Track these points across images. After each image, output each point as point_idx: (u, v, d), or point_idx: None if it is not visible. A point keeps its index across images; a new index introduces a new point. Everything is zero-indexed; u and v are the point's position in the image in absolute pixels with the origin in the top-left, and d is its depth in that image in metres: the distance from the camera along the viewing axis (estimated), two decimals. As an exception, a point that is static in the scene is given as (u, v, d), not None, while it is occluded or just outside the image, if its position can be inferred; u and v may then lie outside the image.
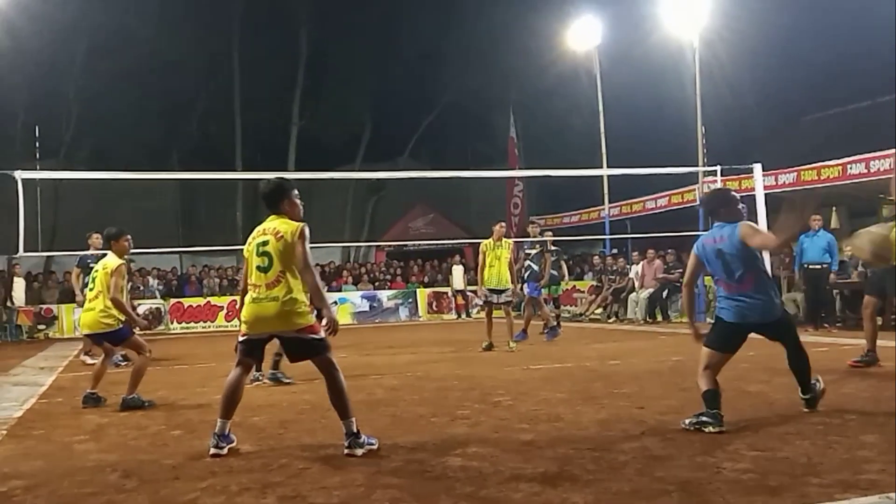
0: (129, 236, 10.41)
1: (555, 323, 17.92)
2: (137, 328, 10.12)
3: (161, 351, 18.39)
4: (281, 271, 6.64)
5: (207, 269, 29.68)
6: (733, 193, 7.81)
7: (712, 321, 7.69)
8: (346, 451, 6.40)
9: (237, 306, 7.72)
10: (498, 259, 15.06)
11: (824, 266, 17.59)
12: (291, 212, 6.97)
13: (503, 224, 15.96)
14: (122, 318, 9.67)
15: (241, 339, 7.00)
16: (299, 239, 6.63)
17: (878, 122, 25.59)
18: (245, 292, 7.00)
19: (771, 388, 8.71)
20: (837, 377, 9.65)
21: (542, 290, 17.79)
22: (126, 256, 10.20)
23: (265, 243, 6.74)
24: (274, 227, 6.78)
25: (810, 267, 17.67)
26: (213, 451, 6.47)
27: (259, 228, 6.95)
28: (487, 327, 15.45)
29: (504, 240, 15.36)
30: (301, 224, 6.79)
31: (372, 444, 6.56)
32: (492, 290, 15.20)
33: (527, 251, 18.20)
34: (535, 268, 17.57)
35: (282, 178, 7.30)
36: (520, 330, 16.84)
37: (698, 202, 21.42)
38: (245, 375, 7.11)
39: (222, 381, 9.93)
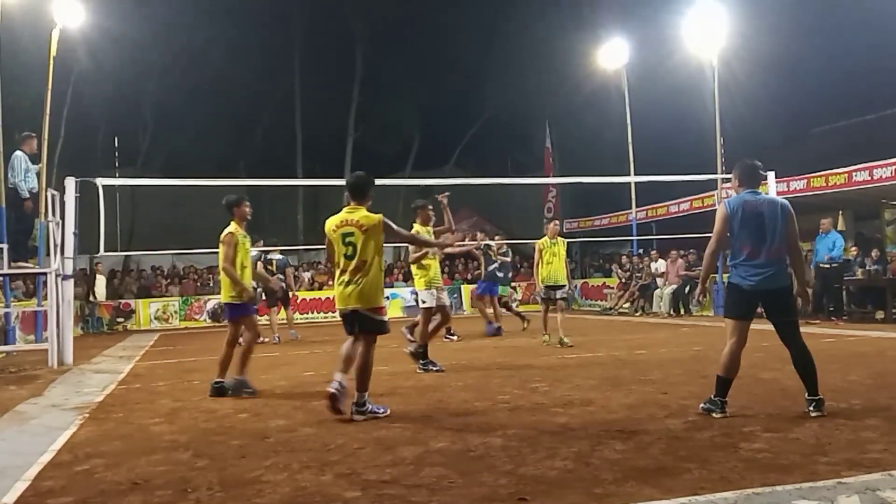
0: (247, 202, 9.85)
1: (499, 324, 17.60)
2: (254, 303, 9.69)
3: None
4: (362, 259, 7.31)
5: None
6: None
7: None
8: (352, 415, 7.12)
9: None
10: (555, 256, 14.22)
11: (833, 265, 17.57)
12: (368, 204, 7.60)
13: (557, 223, 15.46)
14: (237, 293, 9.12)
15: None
16: (382, 230, 7.40)
17: (881, 133, 25.34)
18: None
19: (783, 376, 8.65)
20: (843, 365, 9.59)
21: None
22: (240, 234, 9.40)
23: (350, 234, 7.35)
24: (357, 220, 7.40)
25: (821, 266, 17.74)
26: (330, 389, 7.23)
27: (340, 218, 7.53)
28: (544, 322, 14.38)
29: (559, 238, 14.55)
30: (379, 216, 7.33)
31: (377, 412, 7.22)
32: (550, 287, 14.30)
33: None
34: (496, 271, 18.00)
35: (369, 175, 7.84)
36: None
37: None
38: (354, 343, 7.56)
39: (285, 370, 10.01)
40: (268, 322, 17.54)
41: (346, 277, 7.38)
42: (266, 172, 30.73)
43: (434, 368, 10.75)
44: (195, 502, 4.76)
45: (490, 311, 17.72)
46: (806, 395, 6.74)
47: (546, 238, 14.54)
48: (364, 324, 7.42)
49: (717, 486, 4.59)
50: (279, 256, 18.61)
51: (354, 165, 36.32)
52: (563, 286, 14.51)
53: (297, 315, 23.99)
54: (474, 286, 17.87)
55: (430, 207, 11.70)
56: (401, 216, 38.79)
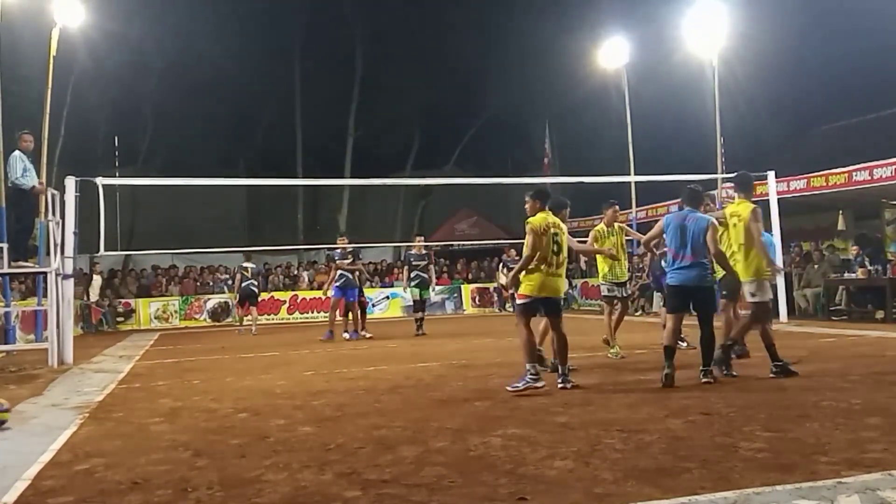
0: None
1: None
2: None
3: (227, 340, 18.64)
4: (566, 256, 8.89)
5: (272, 267, 29.82)
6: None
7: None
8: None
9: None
10: (621, 248, 12.00)
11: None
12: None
13: (616, 206, 12.46)
14: None
15: (525, 301, 8.80)
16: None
17: (881, 132, 25.35)
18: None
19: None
20: (843, 364, 9.59)
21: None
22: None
23: (557, 235, 8.78)
24: (557, 223, 8.91)
25: None
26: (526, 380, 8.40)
27: (550, 222, 8.86)
28: (609, 325, 12.08)
29: (616, 224, 12.15)
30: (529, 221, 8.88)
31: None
32: (616, 284, 12.07)
33: (414, 262, 18.52)
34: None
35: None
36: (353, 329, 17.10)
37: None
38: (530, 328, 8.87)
39: (284, 369, 9.99)
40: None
41: (552, 270, 8.75)
42: (266, 172, 30.81)
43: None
44: (195, 502, 4.76)
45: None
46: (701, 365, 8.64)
47: (602, 225, 12.11)
48: (555, 310, 8.98)
49: (717, 485, 4.59)
50: (252, 265, 21.16)
51: (354, 165, 36.44)
52: (625, 281, 12.38)
53: (297, 314, 26.94)
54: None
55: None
56: (401, 216, 39.01)
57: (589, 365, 10.88)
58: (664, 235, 9.01)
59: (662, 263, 10.38)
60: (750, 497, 4.35)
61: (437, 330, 18.98)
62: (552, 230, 8.76)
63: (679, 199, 9.53)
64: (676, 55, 25.25)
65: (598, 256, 12.20)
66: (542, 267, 8.70)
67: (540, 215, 8.88)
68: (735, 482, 4.64)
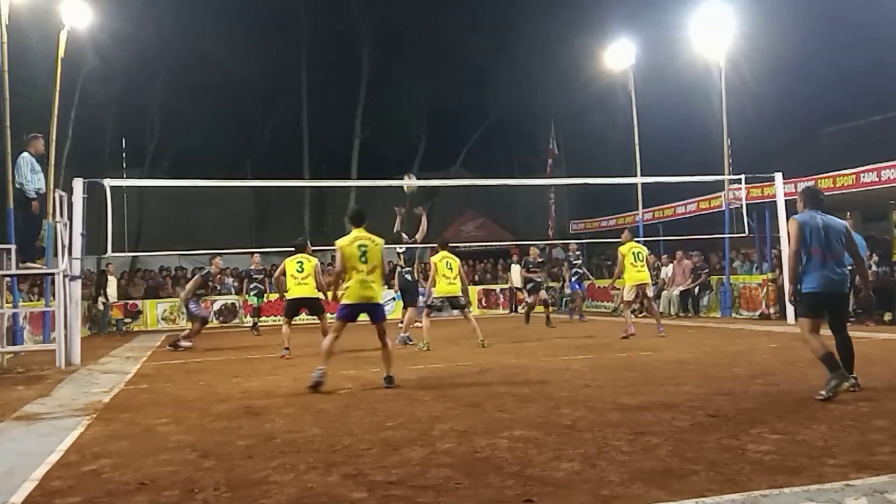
0: None
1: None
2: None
3: (234, 341, 18.65)
4: (376, 266, 9.39)
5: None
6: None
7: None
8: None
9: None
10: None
11: (849, 266, 17.39)
12: None
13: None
14: None
15: (342, 309, 9.41)
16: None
17: (888, 134, 25.30)
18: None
19: (790, 378, 8.65)
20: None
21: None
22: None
23: (365, 247, 9.40)
24: (366, 236, 9.50)
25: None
26: None
27: (356, 237, 9.50)
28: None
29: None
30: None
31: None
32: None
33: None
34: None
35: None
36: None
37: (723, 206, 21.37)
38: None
39: (291, 371, 10.01)
40: None
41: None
42: (273, 173, 30.81)
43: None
44: (202, 502, 4.76)
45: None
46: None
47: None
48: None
49: (724, 488, 4.57)
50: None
51: (361, 166, 36.49)
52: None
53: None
54: None
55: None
56: (405, 216, 38.99)
57: (596, 366, 10.88)
58: (804, 237, 7.85)
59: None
60: (757, 499, 4.34)
61: (443, 332, 18.98)
62: (357, 243, 9.42)
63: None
64: (683, 56, 25.22)
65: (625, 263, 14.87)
66: (355, 276, 9.33)
67: (349, 235, 9.63)
68: (742, 484, 4.63)
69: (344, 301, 9.32)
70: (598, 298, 27.90)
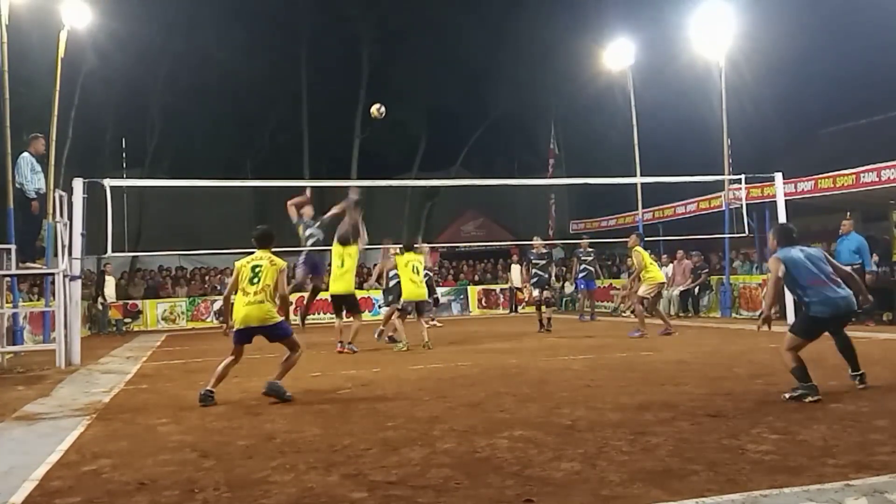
0: None
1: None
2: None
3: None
4: (268, 284, 8.84)
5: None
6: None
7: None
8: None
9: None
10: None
11: (855, 266, 17.35)
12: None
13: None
14: None
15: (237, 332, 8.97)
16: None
17: (889, 134, 25.30)
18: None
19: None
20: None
21: None
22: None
23: (258, 267, 8.95)
24: (260, 256, 9.11)
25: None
26: None
27: (252, 258, 9.10)
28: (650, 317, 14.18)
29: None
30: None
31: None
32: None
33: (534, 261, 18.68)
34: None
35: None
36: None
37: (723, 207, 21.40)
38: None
39: (291, 371, 10.01)
40: None
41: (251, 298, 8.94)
42: (273, 173, 30.76)
43: None
44: (202, 502, 4.77)
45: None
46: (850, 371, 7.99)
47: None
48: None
49: (724, 488, 4.58)
50: None
51: (361, 166, 36.44)
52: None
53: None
54: None
55: None
56: (407, 217, 39.01)
57: (596, 366, 10.88)
58: (788, 273, 7.90)
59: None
60: (757, 499, 4.34)
61: (443, 333, 18.99)
62: (252, 263, 9.01)
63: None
64: (683, 56, 25.23)
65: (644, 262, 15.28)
66: (241, 297, 8.89)
67: (249, 256, 9.23)
68: (742, 484, 4.63)
69: (236, 326, 8.93)
70: (599, 298, 27.89)
